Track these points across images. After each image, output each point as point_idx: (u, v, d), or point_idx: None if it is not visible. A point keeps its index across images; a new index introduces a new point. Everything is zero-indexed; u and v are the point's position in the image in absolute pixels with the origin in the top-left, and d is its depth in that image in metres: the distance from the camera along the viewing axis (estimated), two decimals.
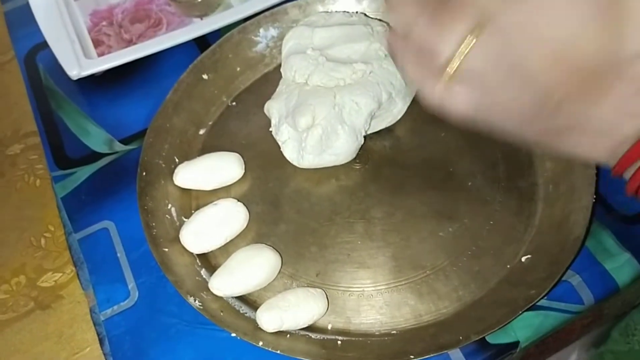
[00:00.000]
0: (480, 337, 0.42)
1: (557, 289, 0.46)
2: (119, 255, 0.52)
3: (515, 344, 0.45)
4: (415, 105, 0.55)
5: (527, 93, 0.27)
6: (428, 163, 0.53)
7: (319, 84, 0.53)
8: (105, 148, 0.59)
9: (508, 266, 0.47)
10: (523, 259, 0.47)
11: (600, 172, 0.49)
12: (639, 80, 0.25)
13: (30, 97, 0.64)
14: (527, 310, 0.44)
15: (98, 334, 0.48)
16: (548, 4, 0.25)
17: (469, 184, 0.52)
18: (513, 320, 0.43)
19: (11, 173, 0.74)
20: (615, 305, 0.55)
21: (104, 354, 0.47)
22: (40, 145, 0.59)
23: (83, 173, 0.57)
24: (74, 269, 0.51)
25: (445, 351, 0.43)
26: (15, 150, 0.78)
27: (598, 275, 0.47)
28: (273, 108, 0.54)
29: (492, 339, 0.45)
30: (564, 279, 0.46)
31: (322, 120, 0.51)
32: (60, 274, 0.68)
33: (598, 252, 0.48)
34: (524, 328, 0.45)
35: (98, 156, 0.59)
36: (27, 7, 0.68)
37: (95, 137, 0.60)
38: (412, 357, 0.41)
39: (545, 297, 0.45)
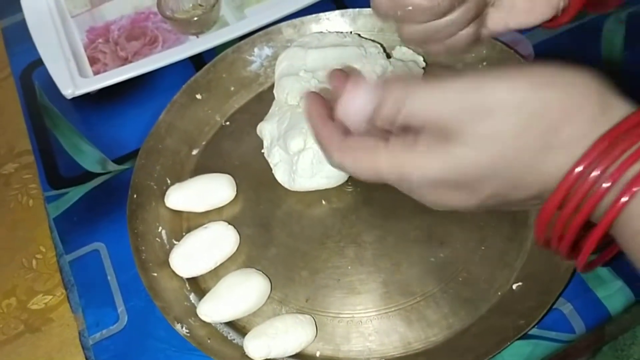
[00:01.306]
0: None
1: (548, 317, 0.45)
2: (109, 277, 0.52)
3: None
4: None
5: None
6: None
7: None
8: (99, 168, 0.59)
9: (499, 293, 0.47)
10: (514, 287, 0.47)
11: None
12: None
13: (25, 115, 0.64)
14: (517, 339, 0.44)
15: (86, 359, 0.48)
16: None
17: None
18: (501, 351, 0.42)
19: (5, 193, 0.74)
20: (611, 333, 0.55)
21: None
22: (34, 164, 0.60)
23: (76, 193, 0.57)
24: (64, 291, 0.51)
25: None
26: (9, 170, 0.78)
27: (590, 304, 0.46)
28: (265, 130, 0.54)
29: None
30: (555, 307, 0.46)
31: (314, 144, 0.50)
32: (51, 297, 0.68)
33: (590, 279, 0.47)
34: (513, 356, 0.44)
35: (91, 176, 0.59)
36: (25, 23, 0.68)
37: (89, 157, 0.60)
38: None
39: (537, 326, 0.45)
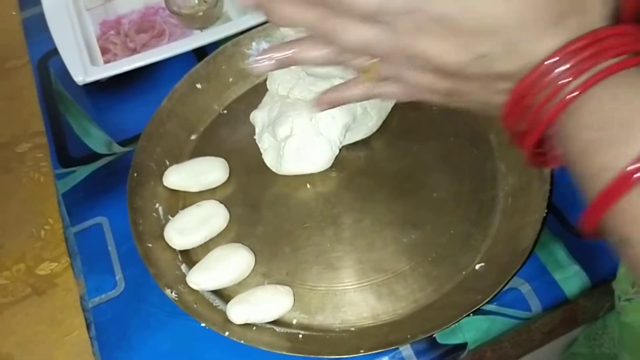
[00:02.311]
0: (427, 335, 0.46)
1: (507, 295, 0.49)
2: (109, 248, 0.56)
3: (464, 345, 0.48)
4: (390, 120, 0.59)
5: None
6: (399, 174, 0.57)
7: (299, 97, 0.57)
8: (105, 149, 0.64)
9: (463, 273, 0.51)
10: (477, 267, 0.51)
11: (559, 188, 0.52)
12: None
13: (40, 100, 0.69)
14: (475, 314, 0.48)
15: (86, 320, 0.53)
16: None
17: (434, 195, 0.55)
18: (458, 322, 0.47)
19: (18, 169, 0.81)
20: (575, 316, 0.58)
21: (90, 338, 0.52)
22: (46, 144, 0.65)
23: (83, 172, 0.62)
24: (68, 259, 0.56)
25: (394, 347, 0.46)
26: (23, 148, 0.84)
27: (547, 285, 0.50)
28: (257, 117, 0.59)
29: (441, 339, 0.48)
30: (514, 286, 0.50)
31: (300, 131, 0.55)
32: (56, 264, 0.74)
33: (549, 263, 0.51)
34: (472, 330, 0.48)
35: (97, 157, 0.63)
36: (43, 15, 0.73)
37: (96, 139, 0.65)
38: (362, 352, 0.45)
39: (495, 303, 0.49)
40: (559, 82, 0.28)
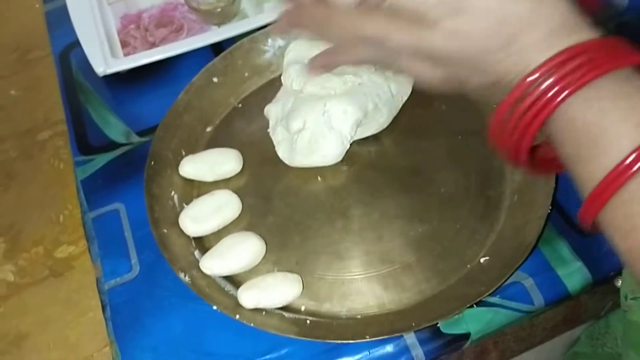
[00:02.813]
0: (430, 324, 0.48)
1: (510, 289, 0.51)
2: (125, 233, 0.58)
3: (467, 335, 0.49)
4: (401, 117, 0.61)
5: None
6: (408, 169, 0.59)
7: (312, 92, 0.58)
8: (123, 139, 0.66)
9: (468, 266, 0.52)
10: (482, 261, 0.52)
11: (563, 185, 0.53)
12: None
13: (62, 90, 0.72)
14: (479, 305, 0.49)
15: (101, 302, 0.55)
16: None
17: (442, 190, 0.57)
18: (462, 312, 0.48)
19: (39, 156, 0.83)
20: (577, 313, 0.59)
21: (105, 319, 0.54)
22: (67, 132, 0.67)
23: (101, 160, 0.64)
24: (86, 243, 0.58)
25: (398, 334, 0.48)
26: (45, 136, 0.87)
27: (550, 280, 0.51)
28: (271, 111, 0.60)
29: (445, 328, 0.50)
30: (517, 280, 0.51)
31: (312, 125, 0.56)
32: (74, 247, 0.76)
33: (552, 258, 0.52)
34: (475, 322, 0.50)
35: (116, 145, 0.65)
36: (66, 7, 0.76)
37: (115, 129, 0.67)
38: (367, 337, 0.47)
39: (498, 296, 0.50)
40: (546, 94, 0.31)
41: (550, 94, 0.31)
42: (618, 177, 0.29)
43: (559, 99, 0.31)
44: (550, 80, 0.31)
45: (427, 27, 0.33)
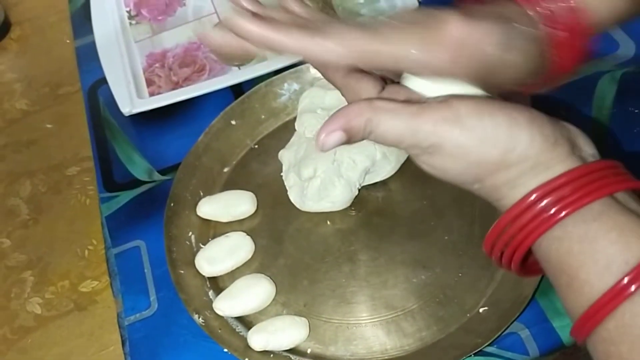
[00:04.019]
0: None
1: (506, 339, 0.53)
2: (145, 271, 0.62)
3: None
4: (408, 164, 0.63)
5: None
6: (413, 216, 0.61)
7: None
8: (146, 176, 0.70)
9: (468, 315, 0.54)
10: (481, 310, 0.54)
11: None
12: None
13: (90, 126, 0.75)
14: (476, 355, 0.51)
15: (121, 336, 0.58)
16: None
17: (446, 237, 0.59)
18: None
19: (67, 191, 0.87)
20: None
21: (124, 354, 0.57)
22: (94, 169, 0.71)
23: (125, 197, 0.68)
24: (108, 278, 0.61)
25: None
26: (72, 172, 0.91)
27: (546, 331, 0.53)
28: (284, 156, 0.63)
29: None
30: (514, 331, 0.53)
31: (322, 173, 0.59)
32: (97, 282, 0.80)
33: (549, 310, 0.54)
34: None
35: (139, 183, 0.69)
36: (94, 43, 0.79)
37: (139, 166, 0.71)
38: None
39: (495, 346, 0.53)
40: (543, 215, 0.33)
41: (524, 232, 0.33)
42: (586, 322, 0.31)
43: (528, 239, 0.33)
44: (524, 218, 0.33)
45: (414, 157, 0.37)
